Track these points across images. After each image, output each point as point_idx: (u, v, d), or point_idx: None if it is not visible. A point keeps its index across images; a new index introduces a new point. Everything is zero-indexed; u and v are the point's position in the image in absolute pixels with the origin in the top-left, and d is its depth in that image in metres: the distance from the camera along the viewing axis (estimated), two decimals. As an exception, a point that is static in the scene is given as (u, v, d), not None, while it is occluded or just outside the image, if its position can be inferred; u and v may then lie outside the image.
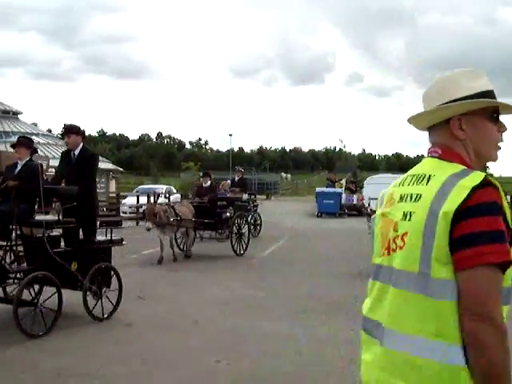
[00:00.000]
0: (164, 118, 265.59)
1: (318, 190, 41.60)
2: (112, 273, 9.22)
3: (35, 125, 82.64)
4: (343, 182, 50.06)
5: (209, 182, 17.91)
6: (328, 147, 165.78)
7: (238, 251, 16.42)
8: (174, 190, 37.40)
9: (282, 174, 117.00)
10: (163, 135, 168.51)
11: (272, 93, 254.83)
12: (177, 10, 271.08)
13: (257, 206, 24.62)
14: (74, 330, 8.14)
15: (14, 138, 53.63)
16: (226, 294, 10.92)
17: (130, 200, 33.01)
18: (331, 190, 40.58)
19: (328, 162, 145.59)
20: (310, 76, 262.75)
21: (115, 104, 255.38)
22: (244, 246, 16.88)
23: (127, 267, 13.49)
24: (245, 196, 23.18)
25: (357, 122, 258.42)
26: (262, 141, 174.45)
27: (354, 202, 38.59)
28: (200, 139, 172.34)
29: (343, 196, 39.13)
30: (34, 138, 62.15)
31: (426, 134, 2.32)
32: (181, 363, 6.66)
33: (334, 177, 56.33)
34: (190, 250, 16.39)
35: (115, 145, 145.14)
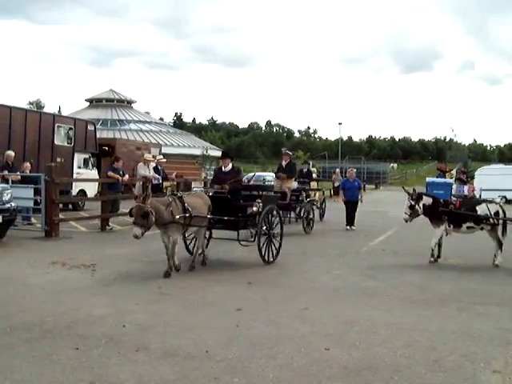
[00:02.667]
0: (273, 107, 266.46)
1: (428, 179, 40.60)
2: None
3: (148, 113, 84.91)
4: (454, 172, 49.08)
5: (230, 166, 13.66)
6: (438, 137, 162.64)
7: (266, 258, 12.71)
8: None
9: (392, 164, 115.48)
10: (272, 123, 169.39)
11: (381, 81, 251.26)
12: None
13: (310, 196, 22.08)
14: (184, 313, 8.33)
15: (129, 126, 55.33)
16: (335, 282, 10.89)
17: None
18: (442, 180, 39.80)
19: (438, 151, 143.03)
20: (420, 64, 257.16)
21: (225, 93, 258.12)
22: (275, 251, 13.15)
23: (236, 252, 13.69)
24: (294, 184, 21.10)
25: (468, 110, 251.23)
26: (371, 130, 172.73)
27: (465, 192, 37.75)
28: (309, 128, 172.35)
29: (454, 187, 38.35)
30: (146, 125, 63.84)
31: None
32: (290, 350, 6.68)
33: (444, 167, 55.26)
34: (205, 254, 12.65)
35: (225, 133, 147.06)
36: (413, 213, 13.56)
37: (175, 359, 6.26)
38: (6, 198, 14.79)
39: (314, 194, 25.22)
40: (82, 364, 6.03)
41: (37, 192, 17.37)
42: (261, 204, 12.73)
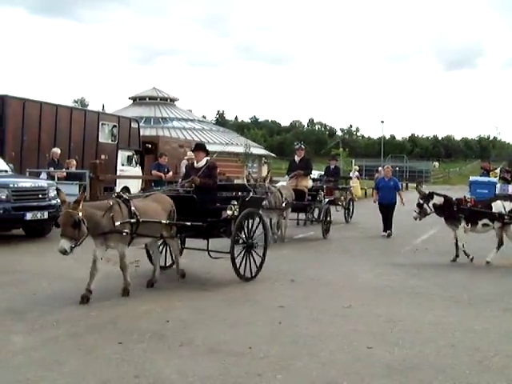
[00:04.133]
0: (315, 105, 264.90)
1: (471, 178, 40.31)
2: None
3: (190, 111, 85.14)
4: (498, 171, 48.45)
5: (204, 161, 11.09)
6: (481, 135, 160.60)
7: (242, 273, 10.27)
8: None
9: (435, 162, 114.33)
10: (314, 122, 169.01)
11: (423, 78, 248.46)
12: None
13: (334, 195, 19.36)
14: (227, 309, 8.40)
15: (172, 124, 55.80)
16: (378, 280, 10.87)
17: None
18: (485, 179, 39.33)
19: (481, 150, 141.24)
20: (463, 61, 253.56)
21: (267, 90, 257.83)
22: (257, 265, 10.68)
23: (281, 250, 13.74)
24: (309, 183, 18.36)
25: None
26: (414, 128, 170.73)
27: (510, 191, 37.16)
28: (351, 126, 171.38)
29: (498, 186, 37.83)
30: (189, 123, 64.29)
31: None
32: (333, 347, 6.69)
33: (488, 166, 54.52)
34: (179, 267, 10.36)
35: (267, 131, 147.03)
36: (421, 211, 13.52)
37: (218, 355, 6.31)
38: (51, 194, 15.01)
39: (345, 194, 23.18)
40: (127, 358, 6.12)
41: (81, 188, 17.58)
42: (237, 207, 10.32)
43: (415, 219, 13.80)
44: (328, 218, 17.77)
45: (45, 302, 8.39)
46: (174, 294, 9.15)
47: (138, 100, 76.47)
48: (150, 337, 6.87)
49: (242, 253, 10.34)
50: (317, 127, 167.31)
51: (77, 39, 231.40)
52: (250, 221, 10.89)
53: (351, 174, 41.85)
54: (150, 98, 75.13)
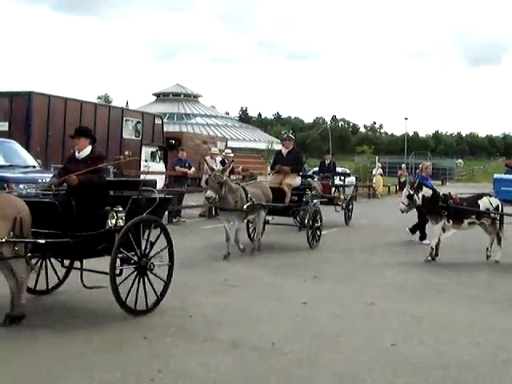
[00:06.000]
0: (339, 101, 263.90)
1: (496, 176, 40.19)
2: None
3: (214, 107, 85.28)
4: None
5: (88, 149, 8.12)
6: (506, 132, 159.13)
7: (133, 305, 7.44)
8: (348, 171, 36.15)
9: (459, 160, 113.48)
10: (337, 118, 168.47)
11: (447, 75, 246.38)
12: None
13: (312, 195, 14.85)
14: (250, 305, 8.42)
15: (195, 120, 55.70)
16: (401, 278, 10.86)
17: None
18: (510, 176, 39.09)
19: (506, 147, 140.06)
20: (487, 57, 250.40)
21: (290, 87, 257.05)
22: (156, 296, 7.85)
23: (301, 247, 13.73)
24: (297, 180, 14.72)
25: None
26: (438, 125, 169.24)
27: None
28: (375, 123, 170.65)
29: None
30: (212, 119, 64.27)
31: None
32: (356, 344, 6.70)
33: (513, 163, 54.15)
34: (18, 303, 6.93)
35: (290, 128, 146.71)
36: (411, 203, 12.69)
37: (242, 350, 6.34)
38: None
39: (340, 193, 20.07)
40: (151, 353, 6.16)
41: None
42: (122, 214, 7.46)
43: (402, 212, 13.03)
44: (317, 224, 14.32)
45: (69, 298, 8.44)
46: (196, 290, 9.17)
47: (161, 96, 76.82)
48: (173, 332, 6.90)
49: (133, 276, 7.68)
50: (340, 124, 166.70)
51: (100, 36, 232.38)
52: (141, 232, 7.80)
53: (374, 171, 41.70)
54: (173, 95, 75.42)
